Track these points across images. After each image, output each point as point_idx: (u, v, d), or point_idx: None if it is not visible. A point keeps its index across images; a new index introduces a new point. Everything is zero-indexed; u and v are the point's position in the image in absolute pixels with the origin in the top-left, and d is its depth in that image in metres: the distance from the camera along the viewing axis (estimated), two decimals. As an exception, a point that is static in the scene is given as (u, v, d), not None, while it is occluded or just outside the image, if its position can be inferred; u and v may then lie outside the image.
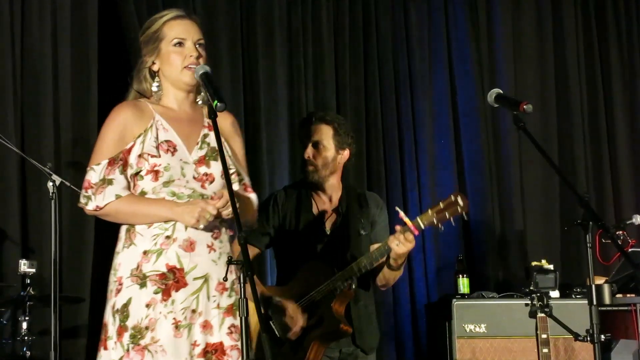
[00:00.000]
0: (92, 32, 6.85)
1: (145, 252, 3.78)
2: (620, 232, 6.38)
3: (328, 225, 5.07)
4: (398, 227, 4.71)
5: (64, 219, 6.44)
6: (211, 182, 3.83)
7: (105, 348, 3.78)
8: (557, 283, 5.66)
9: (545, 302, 4.87)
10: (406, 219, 4.70)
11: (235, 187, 3.94)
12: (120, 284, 3.80)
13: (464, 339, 6.40)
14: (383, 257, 4.80)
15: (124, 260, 3.84)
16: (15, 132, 6.52)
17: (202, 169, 3.84)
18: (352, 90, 7.78)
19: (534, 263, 6.50)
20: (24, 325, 5.85)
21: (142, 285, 3.75)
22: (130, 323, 3.73)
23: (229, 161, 3.87)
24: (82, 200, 3.91)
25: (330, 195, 5.14)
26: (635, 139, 8.30)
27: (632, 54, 8.45)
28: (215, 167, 3.86)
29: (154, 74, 3.98)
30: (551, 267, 6.17)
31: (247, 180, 4.01)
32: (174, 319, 3.72)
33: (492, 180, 7.98)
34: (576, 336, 4.33)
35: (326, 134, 5.12)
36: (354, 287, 4.88)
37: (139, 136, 3.84)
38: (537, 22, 8.32)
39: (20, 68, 6.65)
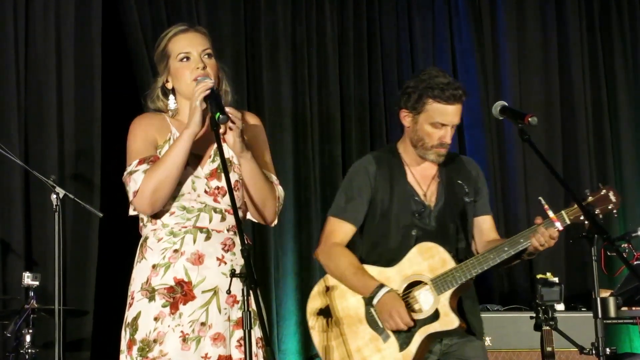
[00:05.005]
0: (96, 45, 6.86)
1: (154, 266, 3.78)
2: (626, 245, 6.36)
3: (429, 195, 4.54)
4: (539, 221, 4.32)
5: (68, 231, 6.45)
6: (224, 195, 3.82)
7: None
8: (562, 296, 5.65)
9: (550, 315, 4.84)
10: (550, 212, 4.30)
11: None
12: (132, 298, 3.81)
13: (469, 352, 6.37)
14: (516, 251, 4.36)
15: (137, 275, 3.84)
16: (19, 144, 6.53)
17: (214, 183, 3.83)
18: (357, 102, 7.79)
19: (539, 276, 6.50)
20: (28, 338, 5.86)
21: (151, 299, 3.76)
22: (138, 336, 3.74)
23: (238, 171, 3.87)
24: (130, 196, 3.79)
25: (427, 162, 4.56)
26: (641, 151, 8.31)
27: (637, 66, 8.44)
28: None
29: (168, 92, 3.97)
30: (556, 279, 6.17)
31: (272, 178, 3.97)
32: (182, 332, 3.72)
33: (497, 192, 7.97)
34: (581, 349, 4.32)
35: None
36: (472, 279, 4.43)
37: (158, 148, 3.85)
38: (542, 34, 8.32)
39: (24, 80, 6.66)
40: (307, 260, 7.45)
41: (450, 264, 4.37)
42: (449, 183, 4.58)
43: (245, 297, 3.36)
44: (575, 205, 4.26)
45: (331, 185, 7.61)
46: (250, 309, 3.36)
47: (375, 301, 4.36)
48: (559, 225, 4.29)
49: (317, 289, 4.60)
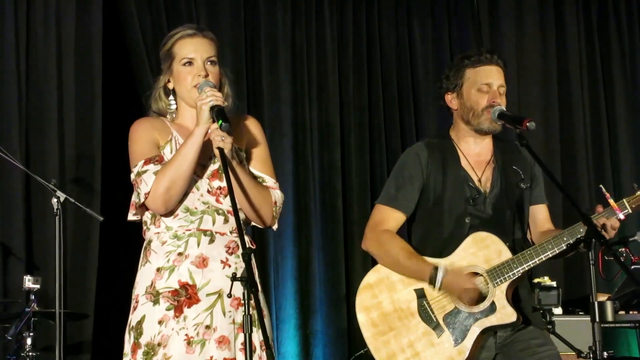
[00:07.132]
0: (97, 49, 6.88)
1: (158, 269, 3.80)
2: (624, 249, 6.37)
3: (483, 181, 4.36)
4: (600, 209, 4.11)
5: (68, 235, 6.47)
6: (225, 196, 3.83)
7: None
8: (560, 300, 5.65)
9: (548, 319, 4.85)
10: (611, 201, 4.12)
11: None
12: (137, 302, 3.83)
13: (467, 356, 6.37)
14: (573, 240, 4.13)
15: (141, 278, 3.86)
16: (20, 148, 6.54)
17: (216, 183, 3.85)
18: (356, 108, 7.80)
19: (537, 280, 6.50)
20: (29, 341, 5.87)
21: (156, 302, 3.77)
22: (143, 340, 3.75)
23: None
24: (135, 199, 3.83)
25: (482, 146, 4.42)
26: (638, 156, 8.31)
27: (635, 71, 8.47)
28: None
29: (169, 92, 3.99)
30: (554, 284, 6.18)
31: (269, 181, 3.98)
32: (186, 335, 3.74)
33: (495, 197, 7.98)
34: (579, 353, 4.33)
35: None
36: (529, 270, 4.24)
37: (160, 148, 3.86)
38: (541, 40, 8.35)
39: (25, 85, 6.68)
40: (307, 264, 7.47)
41: (506, 254, 4.21)
42: (504, 169, 4.40)
43: (246, 301, 3.39)
44: (638, 193, 4.14)
45: (330, 190, 7.63)
46: (250, 313, 3.39)
47: (438, 284, 4.18)
48: (620, 215, 4.13)
49: (366, 282, 4.38)
